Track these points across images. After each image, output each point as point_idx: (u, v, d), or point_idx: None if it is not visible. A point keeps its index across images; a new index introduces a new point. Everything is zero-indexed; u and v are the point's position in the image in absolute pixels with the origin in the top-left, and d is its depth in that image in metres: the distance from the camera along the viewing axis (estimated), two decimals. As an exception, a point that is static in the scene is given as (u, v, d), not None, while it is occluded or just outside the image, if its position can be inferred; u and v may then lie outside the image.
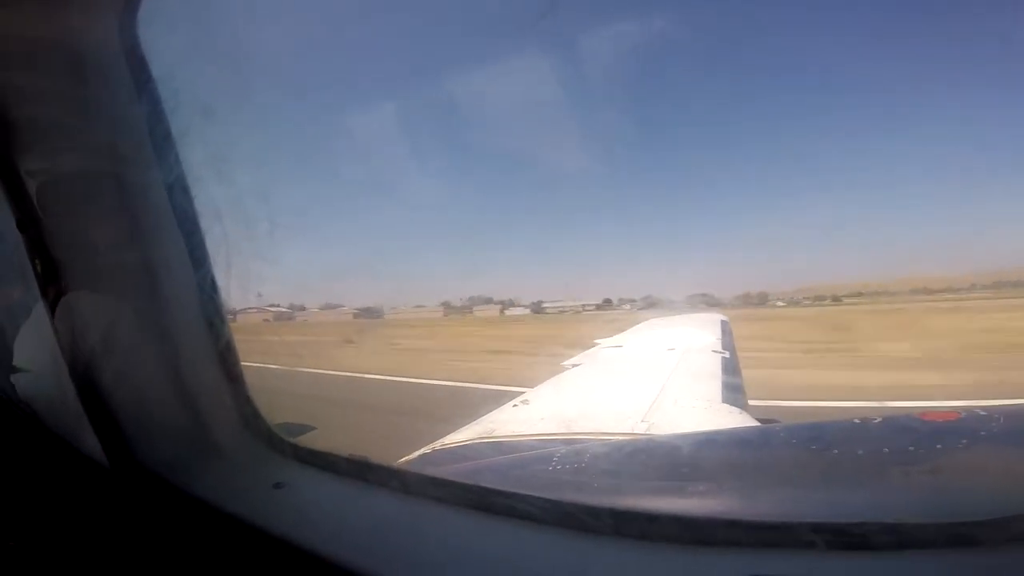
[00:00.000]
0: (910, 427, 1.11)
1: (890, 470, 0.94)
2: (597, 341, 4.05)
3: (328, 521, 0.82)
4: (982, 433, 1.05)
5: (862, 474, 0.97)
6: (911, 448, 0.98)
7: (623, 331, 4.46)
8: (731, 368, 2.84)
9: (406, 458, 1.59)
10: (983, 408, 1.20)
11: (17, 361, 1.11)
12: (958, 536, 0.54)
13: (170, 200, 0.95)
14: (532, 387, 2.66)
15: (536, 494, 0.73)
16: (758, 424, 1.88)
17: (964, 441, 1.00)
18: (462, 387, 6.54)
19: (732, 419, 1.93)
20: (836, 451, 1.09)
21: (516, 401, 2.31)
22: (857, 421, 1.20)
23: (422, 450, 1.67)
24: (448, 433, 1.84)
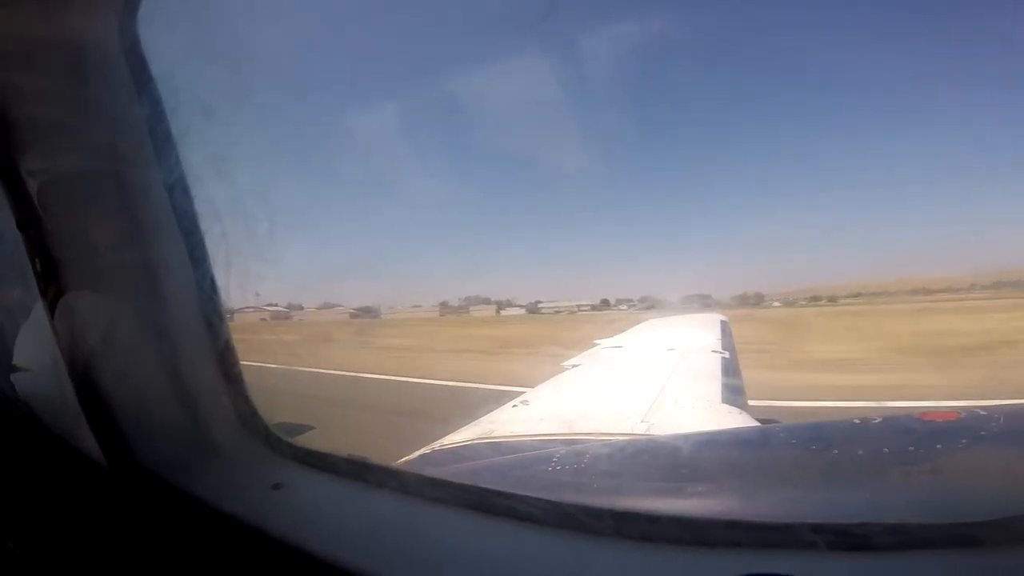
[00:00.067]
0: (910, 427, 1.11)
1: (891, 470, 0.94)
2: (597, 341, 4.05)
3: (327, 522, 0.81)
4: (982, 433, 1.05)
5: (863, 474, 0.96)
6: (911, 448, 0.98)
7: (617, 331, 4.47)
8: (731, 368, 2.84)
9: (405, 458, 1.59)
10: (983, 408, 1.20)
11: (16, 360, 1.11)
12: (961, 536, 0.54)
13: (170, 200, 0.95)
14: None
15: (536, 495, 0.73)
16: (758, 424, 1.88)
17: (964, 441, 1.00)
18: (407, 381, 7.03)
19: (732, 419, 1.93)
20: (836, 451, 1.09)
21: (516, 401, 2.31)
22: (857, 421, 1.20)
23: (421, 450, 1.67)
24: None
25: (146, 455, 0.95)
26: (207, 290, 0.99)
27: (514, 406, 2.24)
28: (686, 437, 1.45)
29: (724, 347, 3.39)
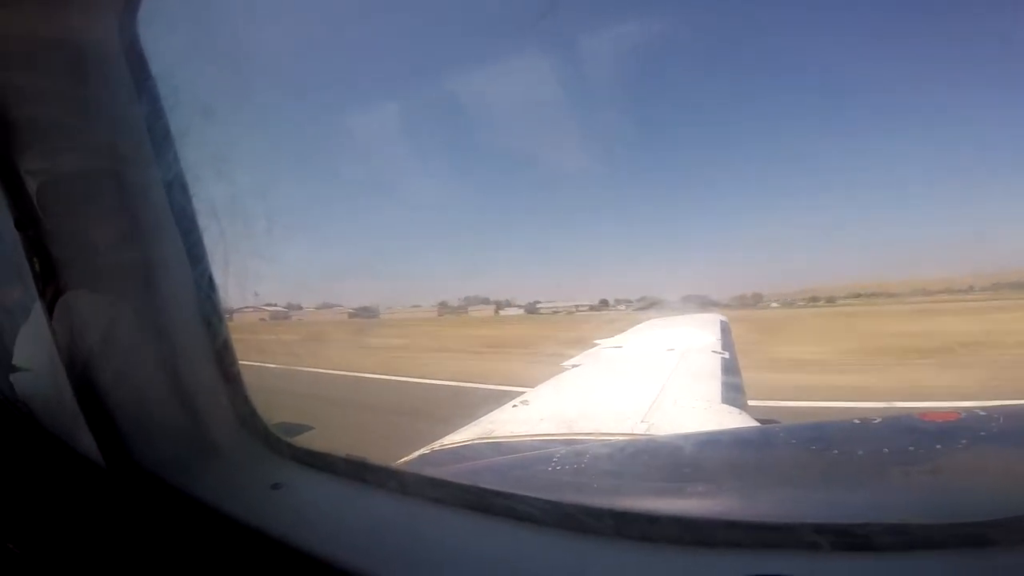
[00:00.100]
0: (910, 427, 1.11)
1: (891, 471, 0.94)
2: (597, 341, 4.04)
3: (326, 522, 0.81)
4: (982, 433, 1.05)
5: (863, 475, 0.96)
6: (912, 449, 0.98)
7: (616, 331, 4.47)
8: (731, 368, 2.83)
9: (405, 459, 1.58)
10: (983, 408, 1.20)
11: (14, 360, 1.11)
12: (963, 536, 0.54)
13: (168, 199, 0.95)
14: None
15: (536, 495, 0.73)
16: (758, 425, 1.88)
17: (964, 442, 1.00)
18: (384, 378, 7.27)
19: (732, 419, 1.93)
20: (836, 452, 1.09)
21: (516, 401, 2.31)
22: (857, 421, 1.20)
23: (421, 451, 1.66)
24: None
25: (144, 455, 0.94)
26: (205, 289, 0.99)
27: (514, 406, 2.24)
28: (687, 437, 1.45)
29: (724, 347, 3.39)
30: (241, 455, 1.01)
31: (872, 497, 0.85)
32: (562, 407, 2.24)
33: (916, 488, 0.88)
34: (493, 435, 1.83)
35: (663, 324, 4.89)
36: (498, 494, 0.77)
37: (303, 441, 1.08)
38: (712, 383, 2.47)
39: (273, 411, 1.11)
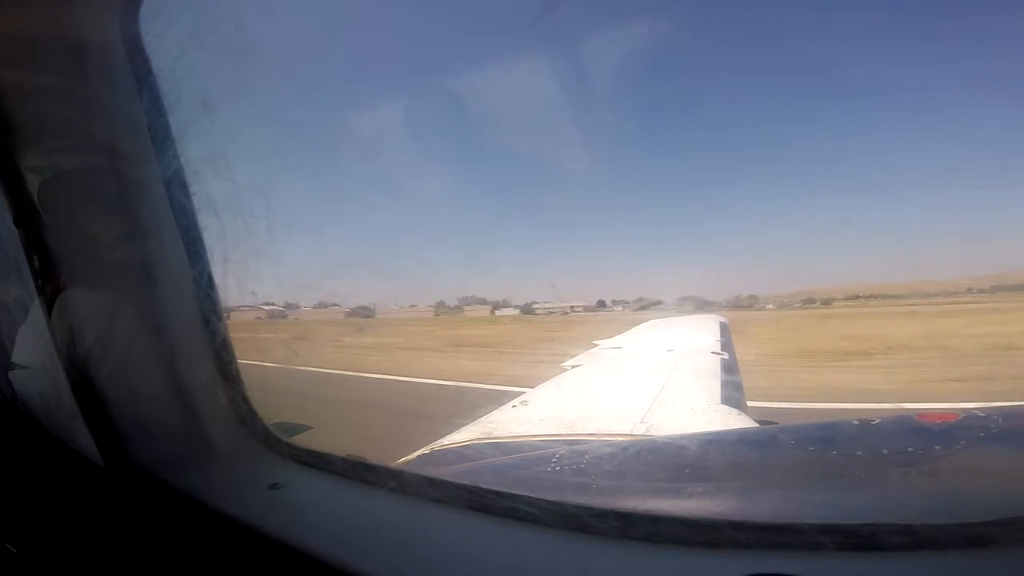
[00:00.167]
0: (911, 428, 1.12)
1: (894, 471, 0.94)
2: (596, 342, 4.05)
3: (325, 522, 0.81)
4: (981, 434, 1.06)
5: (866, 475, 0.96)
6: (913, 449, 0.98)
7: (610, 332, 4.48)
8: (730, 369, 2.84)
9: (404, 459, 1.58)
10: (982, 409, 1.20)
11: (13, 358, 1.10)
12: (968, 536, 0.54)
13: (169, 196, 0.95)
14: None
15: (536, 495, 0.73)
16: (757, 425, 1.88)
17: (964, 442, 1.00)
18: (343, 373, 7.46)
19: (732, 420, 1.93)
20: (838, 452, 1.09)
21: (515, 402, 2.31)
22: (856, 422, 1.20)
23: (420, 451, 1.66)
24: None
25: (143, 454, 0.94)
26: (204, 287, 0.99)
27: (513, 406, 2.24)
28: (688, 437, 1.45)
29: (723, 348, 3.40)
30: (240, 455, 1.01)
31: (874, 497, 0.85)
32: (562, 407, 2.24)
33: (917, 488, 0.88)
34: (493, 435, 1.83)
35: (662, 325, 4.89)
36: (498, 494, 0.76)
37: (303, 441, 1.08)
38: (712, 384, 2.47)
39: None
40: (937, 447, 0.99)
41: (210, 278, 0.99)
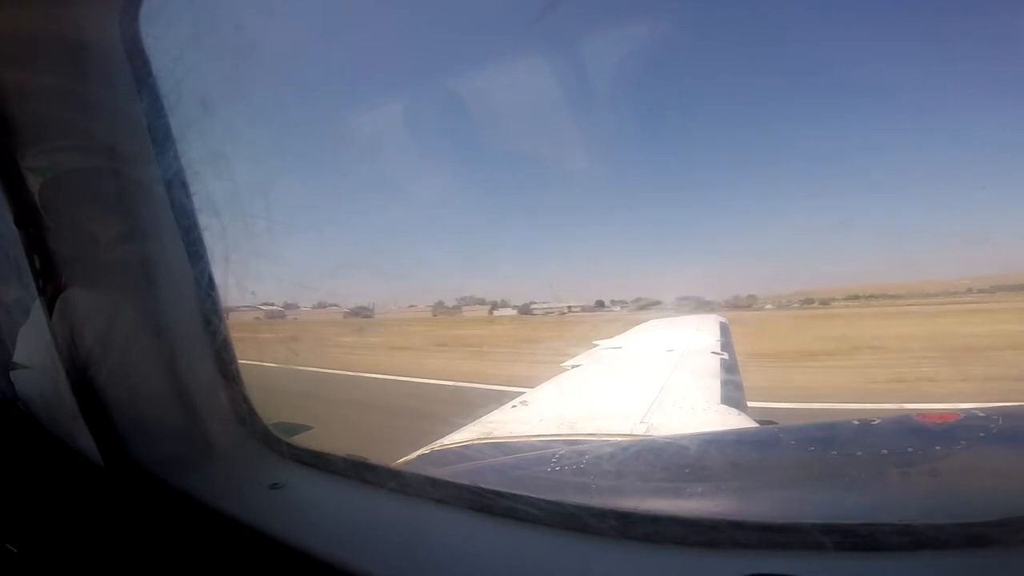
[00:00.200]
0: (911, 429, 1.12)
1: (893, 471, 0.94)
2: (596, 342, 4.05)
3: (325, 522, 0.81)
4: (981, 434, 1.06)
5: (866, 475, 0.96)
6: (913, 449, 0.98)
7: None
8: (730, 369, 2.84)
9: (404, 459, 1.58)
10: (982, 409, 1.20)
11: (14, 358, 1.10)
12: (968, 536, 0.54)
13: (169, 197, 0.95)
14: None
15: (537, 495, 0.73)
16: (757, 425, 1.88)
17: (964, 442, 1.00)
18: (324, 371, 7.54)
19: (731, 420, 1.93)
20: (838, 452, 1.09)
21: (515, 402, 2.31)
22: (856, 422, 1.20)
23: (420, 451, 1.66)
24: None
25: (143, 454, 0.94)
26: (205, 287, 0.99)
27: (513, 406, 2.24)
28: (688, 437, 1.45)
29: (723, 348, 3.40)
30: (240, 454, 1.01)
31: (874, 497, 0.85)
32: (562, 407, 2.24)
33: (917, 488, 0.88)
34: (493, 435, 1.83)
35: (662, 325, 4.90)
36: (499, 494, 0.76)
37: (302, 440, 1.08)
38: (712, 384, 2.47)
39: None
40: (937, 447, 0.99)
41: (210, 278, 0.99)
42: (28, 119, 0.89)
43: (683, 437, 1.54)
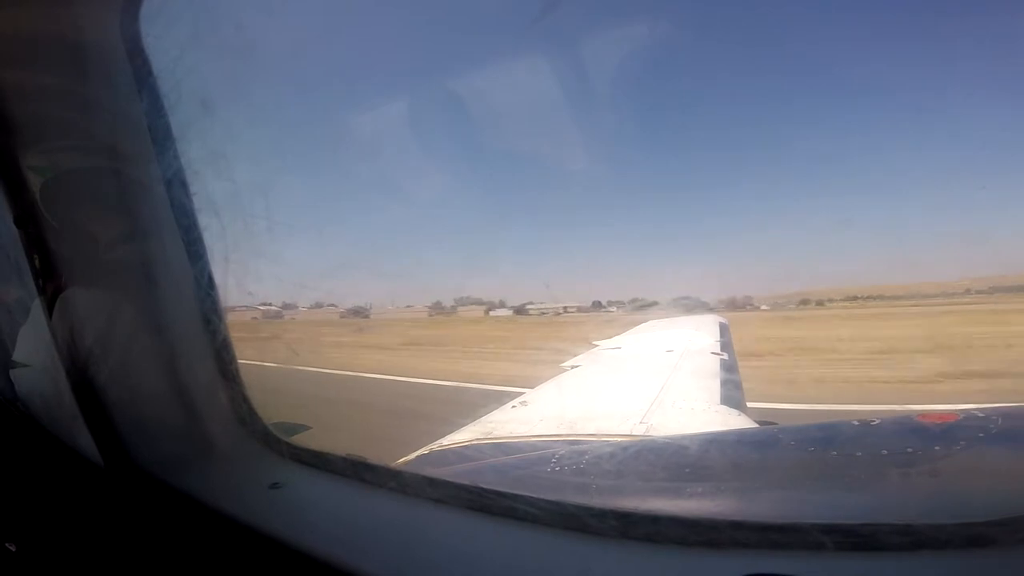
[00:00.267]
0: (911, 429, 1.12)
1: (893, 471, 0.94)
2: (596, 342, 4.05)
3: (325, 522, 0.81)
4: (980, 435, 1.06)
5: (866, 476, 0.96)
6: (917, 449, 0.98)
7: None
8: (730, 369, 2.84)
9: (404, 459, 1.58)
10: (981, 409, 1.20)
11: (14, 358, 1.10)
12: (969, 536, 0.54)
13: (169, 196, 0.95)
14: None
15: (537, 495, 0.73)
16: (757, 426, 1.88)
17: (963, 442, 1.00)
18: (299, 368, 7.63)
19: (731, 420, 1.93)
20: (840, 453, 1.09)
21: (515, 402, 2.31)
22: (856, 423, 1.20)
23: (420, 451, 1.66)
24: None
25: (143, 454, 0.94)
26: (204, 287, 0.99)
27: (513, 407, 2.24)
28: (689, 437, 1.45)
29: (723, 348, 3.40)
30: (240, 454, 1.01)
31: (874, 498, 0.85)
32: (562, 407, 2.24)
33: (917, 488, 0.88)
34: (493, 435, 1.83)
35: (662, 325, 4.89)
36: (499, 494, 0.76)
37: (302, 440, 1.08)
38: (711, 384, 2.47)
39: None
40: (937, 447, 0.99)
41: (210, 278, 0.99)
42: (28, 119, 0.89)
43: (683, 437, 1.54)
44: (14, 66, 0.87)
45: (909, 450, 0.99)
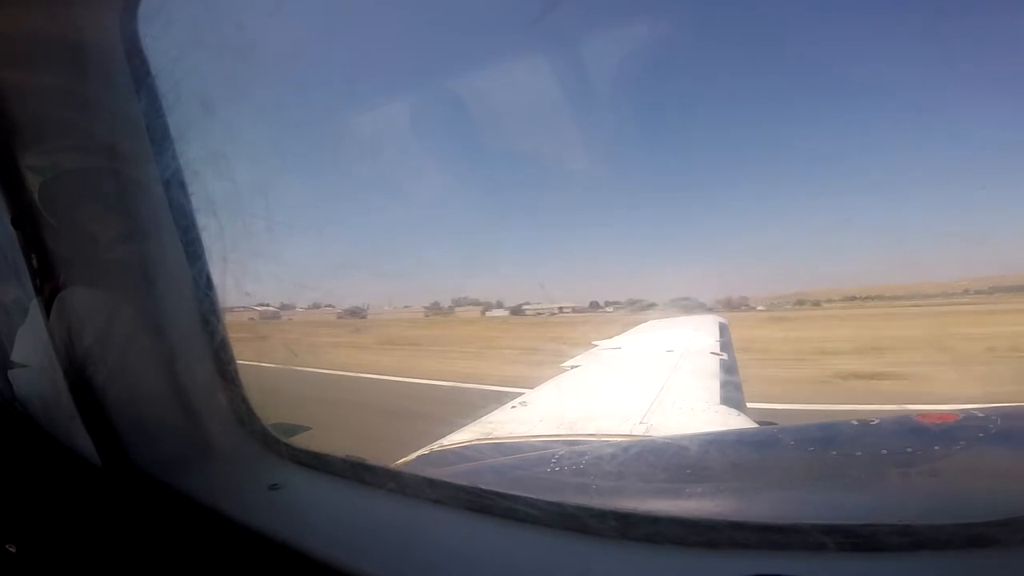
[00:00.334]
0: (910, 429, 1.12)
1: (893, 472, 0.94)
2: (596, 343, 4.05)
3: (324, 523, 0.80)
4: (980, 435, 1.06)
5: (866, 476, 0.96)
6: (916, 449, 0.98)
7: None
8: (730, 370, 2.84)
9: (404, 459, 1.58)
10: (980, 409, 1.20)
11: (11, 358, 1.10)
12: (969, 536, 0.54)
13: (167, 197, 0.95)
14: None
15: (536, 496, 0.73)
16: (757, 426, 1.88)
17: (963, 442, 1.00)
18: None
19: (731, 421, 1.93)
20: (840, 453, 1.09)
21: (515, 402, 2.30)
22: (855, 423, 1.20)
23: (420, 451, 1.66)
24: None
25: (141, 455, 0.94)
26: (203, 287, 0.99)
27: (513, 407, 2.24)
28: (688, 438, 1.45)
29: (723, 348, 3.40)
30: (239, 455, 1.01)
31: (874, 498, 0.85)
32: (561, 408, 2.24)
33: (917, 488, 0.88)
34: (493, 436, 1.83)
35: (662, 325, 4.90)
36: (498, 495, 0.76)
37: (301, 441, 1.08)
38: (711, 384, 2.47)
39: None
40: (937, 447, 0.99)
41: (209, 278, 0.99)
42: (27, 119, 0.89)
43: (683, 437, 1.54)
44: (13, 66, 0.87)
45: (909, 450, 0.99)
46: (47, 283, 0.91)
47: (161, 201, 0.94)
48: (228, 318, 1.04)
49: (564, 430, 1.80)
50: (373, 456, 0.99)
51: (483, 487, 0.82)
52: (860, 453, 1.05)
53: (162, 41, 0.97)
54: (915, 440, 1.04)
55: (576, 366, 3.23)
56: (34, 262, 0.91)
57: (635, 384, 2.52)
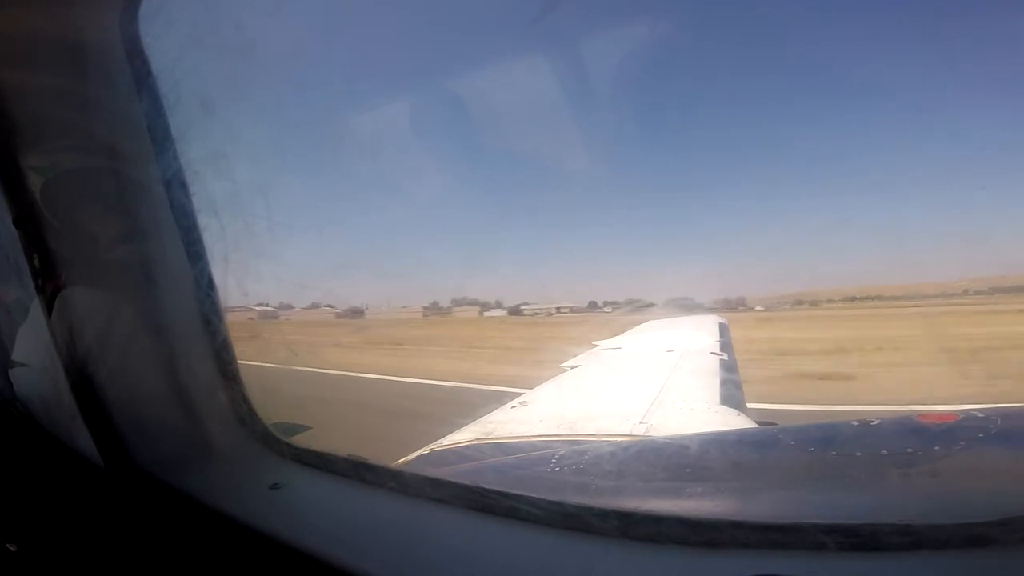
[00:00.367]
0: (911, 429, 1.12)
1: (894, 472, 0.94)
2: (596, 343, 4.05)
3: (325, 522, 0.81)
4: (980, 435, 1.06)
5: (866, 476, 0.97)
6: (917, 450, 0.99)
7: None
8: (730, 369, 2.84)
9: (404, 459, 1.58)
10: (981, 410, 1.20)
11: (13, 358, 1.10)
12: (969, 536, 0.54)
13: (168, 197, 0.95)
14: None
15: (537, 495, 0.73)
16: (756, 426, 1.88)
17: (963, 442, 1.01)
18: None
19: (731, 421, 1.93)
20: (840, 453, 1.09)
21: (515, 402, 2.31)
22: (856, 423, 1.21)
23: (420, 451, 1.66)
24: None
25: (142, 455, 0.94)
26: (204, 287, 0.99)
27: (513, 407, 2.24)
28: (689, 438, 1.45)
29: (723, 348, 3.40)
30: (240, 455, 1.01)
31: (874, 498, 0.86)
32: (562, 407, 2.24)
33: (917, 488, 0.89)
34: (493, 435, 1.83)
35: (661, 325, 4.89)
36: (499, 494, 0.76)
37: (302, 441, 1.08)
38: (711, 384, 2.48)
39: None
40: (937, 447, 1.00)
41: (210, 278, 0.99)
42: (27, 119, 0.89)
43: (683, 437, 1.54)
44: (13, 66, 0.87)
45: (909, 450, 0.99)
46: (48, 283, 0.91)
47: (162, 201, 0.94)
48: (228, 318, 1.05)
49: (564, 430, 1.80)
50: (374, 456, 0.99)
51: (484, 486, 0.82)
52: (860, 453, 1.05)
53: (163, 41, 0.97)
54: (915, 440, 1.04)
55: (576, 366, 3.23)
56: (35, 262, 0.91)
57: (635, 384, 2.52)
